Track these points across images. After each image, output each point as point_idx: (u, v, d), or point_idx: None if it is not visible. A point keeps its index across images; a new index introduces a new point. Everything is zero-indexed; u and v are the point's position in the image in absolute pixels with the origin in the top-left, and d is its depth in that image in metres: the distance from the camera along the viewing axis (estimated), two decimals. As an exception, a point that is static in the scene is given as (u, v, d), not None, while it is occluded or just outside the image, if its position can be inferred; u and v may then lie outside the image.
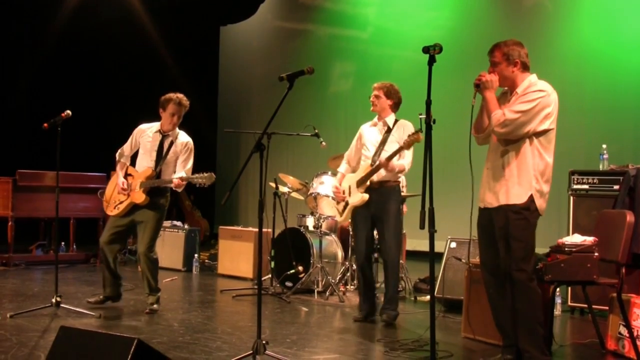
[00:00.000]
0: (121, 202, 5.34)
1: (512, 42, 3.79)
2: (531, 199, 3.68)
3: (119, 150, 5.50)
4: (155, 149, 5.35)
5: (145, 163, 5.37)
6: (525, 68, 3.78)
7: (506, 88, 3.90)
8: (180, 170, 5.34)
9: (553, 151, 3.76)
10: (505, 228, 3.71)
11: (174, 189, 5.31)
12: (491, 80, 3.75)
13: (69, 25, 11.22)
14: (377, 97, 5.27)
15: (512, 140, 3.72)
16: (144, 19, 11.85)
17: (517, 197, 3.69)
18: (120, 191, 5.35)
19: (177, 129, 5.42)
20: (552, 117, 3.69)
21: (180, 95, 5.34)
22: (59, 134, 5.05)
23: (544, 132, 3.68)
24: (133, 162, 5.52)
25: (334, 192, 5.50)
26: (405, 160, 5.13)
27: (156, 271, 5.39)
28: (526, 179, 3.68)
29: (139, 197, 5.25)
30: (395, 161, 5.05)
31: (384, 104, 5.27)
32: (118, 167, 5.47)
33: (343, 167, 5.54)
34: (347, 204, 5.37)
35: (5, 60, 10.99)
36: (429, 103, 3.20)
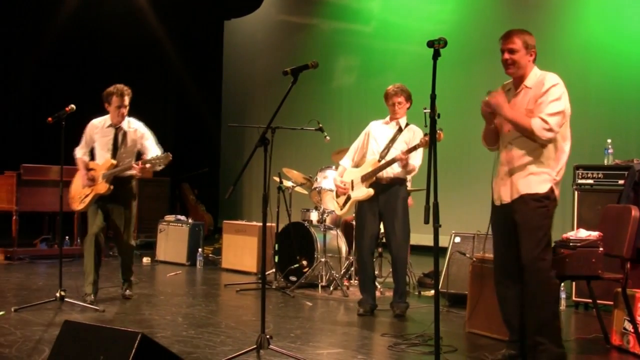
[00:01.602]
0: (86, 196, 5.42)
1: (526, 31, 3.74)
2: (552, 188, 3.67)
3: (76, 149, 5.53)
4: (110, 142, 5.42)
5: (104, 158, 5.43)
6: (534, 60, 3.76)
7: (509, 83, 3.86)
8: (150, 151, 5.42)
9: (570, 139, 3.73)
10: (525, 219, 3.65)
11: (133, 173, 5.40)
12: (497, 100, 3.67)
13: (72, 20, 11.20)
14: (400, 103, 5.23)
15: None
16: (148, 13, 11.84)
17: (539, 186, 3.65)
18: (86, 184, 5.40)
19: (125, 118, 5.47)
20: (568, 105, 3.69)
21: (120, 86, 5.41)
22: (63, 128, 5.06)
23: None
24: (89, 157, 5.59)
25: (337, 185, 5.46)
26: (416, 160, 5.11)
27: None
28: (546, 168, 3.66)
29: (102, 187, 5.32)
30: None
31: (404, 108, 5.27)
32: (79, 164, 5.50)
33: (347, 162, 5.50)
34: (348, 197, 5.36)
35: (10, 54, 10.98)
36: (433, 97, 3.17)
